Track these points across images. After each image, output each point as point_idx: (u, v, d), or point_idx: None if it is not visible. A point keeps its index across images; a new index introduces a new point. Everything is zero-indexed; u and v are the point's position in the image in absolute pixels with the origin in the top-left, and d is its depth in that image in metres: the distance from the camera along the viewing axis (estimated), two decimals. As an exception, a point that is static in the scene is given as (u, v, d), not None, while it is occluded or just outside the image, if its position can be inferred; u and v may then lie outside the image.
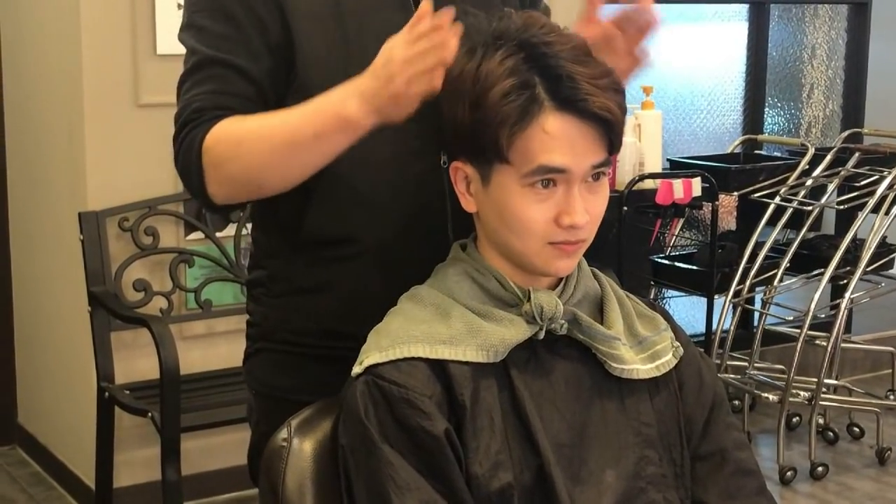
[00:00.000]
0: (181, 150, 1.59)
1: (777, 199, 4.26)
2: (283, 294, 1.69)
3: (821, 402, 4.08)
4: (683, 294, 4.51)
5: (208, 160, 1.55)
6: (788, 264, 4.22)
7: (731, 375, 4.31)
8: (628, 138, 3.94)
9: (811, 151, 4.36)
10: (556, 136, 1.43)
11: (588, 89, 1.43)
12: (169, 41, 3.55)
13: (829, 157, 4.34)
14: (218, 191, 1.58)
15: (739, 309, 4.32)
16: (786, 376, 4.08)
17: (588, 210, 1.46)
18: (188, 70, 1.64)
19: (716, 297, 4.14)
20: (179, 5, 3.55)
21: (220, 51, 1.59)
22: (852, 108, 5.25)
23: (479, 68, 1.45)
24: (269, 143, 1.52)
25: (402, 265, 1.60)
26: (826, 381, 4.11)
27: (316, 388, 1.63)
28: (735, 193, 4.40)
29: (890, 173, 4.09)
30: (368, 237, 1.61)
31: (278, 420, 1.58)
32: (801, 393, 4.07)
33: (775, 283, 4.21)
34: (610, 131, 1.46)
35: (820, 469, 4.03)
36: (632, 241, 4.05)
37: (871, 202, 4.06)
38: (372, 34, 1.57)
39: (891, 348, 4.63)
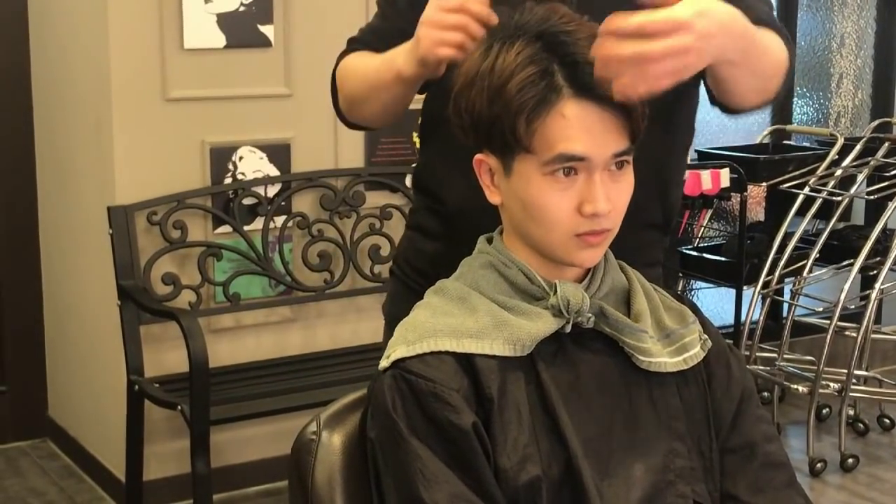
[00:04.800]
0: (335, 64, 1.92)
1: (806, 190, 4.24)
2: (409, 226, 1.92)
3: (851, 394, 4.06)
4: (712, 285, 4.50)
5: (339, 81, 1.89)
6: (818, 255, 4.20)
7: (761, 367, 4.30)
8: (656, 129, 3.93)
9: (840, 141, 4.34)
10: (575, 124, 1.42)
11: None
12: (196, 35, 3.57)
13: (858, 147, 4.32)
14: (343, 106, 1.89)
15: (768, 300, 4.30)
16: (815, 367, 4.06)
17: (611, 198, 1.45)
18: (376, 14, 1.92)
19: (745, 288, 4.13)
20: (206, 0, 3.57)
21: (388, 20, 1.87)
22: (882, 97, 5.22)
23: (495, 63, 1.45)
24: (360, 82, 1.83)
25: (481, 234, 1.62)
26: (856, 372, 4.09)
27: None
28: (764, 184, 4.39)
29: (920, 163, 4.07)
30: (451, 201, 1.78)
31: None
32: (831, 384, 4.05)
33: (804, 273, 4.19)
34: (630, 117, 1.45)
35: (850, 461, 4.01)
36: (660, 233, 4.03)
37: (902, 192, 4.04)
38: None
39: (921, 339, 4.61)
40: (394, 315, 1.81)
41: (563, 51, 1.43)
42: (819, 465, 3.97)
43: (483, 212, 1.59)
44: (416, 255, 1.86)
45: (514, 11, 1.50)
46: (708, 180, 3.87)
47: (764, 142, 4.71)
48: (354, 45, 1.89)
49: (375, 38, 1.85)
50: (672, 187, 1.86)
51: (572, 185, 1.45)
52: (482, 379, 1.43)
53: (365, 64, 1.81)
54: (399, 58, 1.69)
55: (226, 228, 3.70)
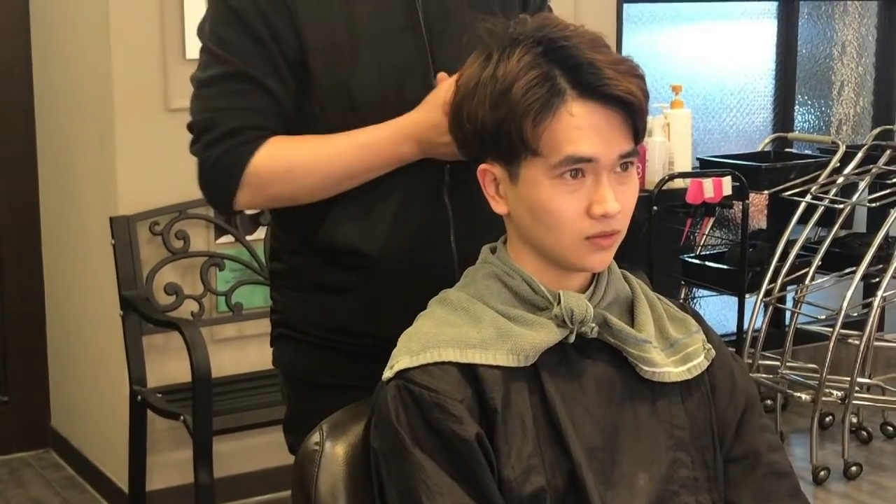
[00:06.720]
0: (218, 160, 1.70)
1: (808, 198, 4.23)
2: (302, 288, 1.77)
3: (854, 401, 4.05)
4: (714, 294, 4.49)
5: (254, 181, 1.66)
6: (820, 263, 4.19)
7: (763, 375, 4.29)
8: (658, 137, 3.93)
9: (842, 149, 4.33)
10: (582, 125, 1.43)
11: (609, 74, 1.44)
12: (198, 46, 3.56)
13: (860, 155, 4.31)
14: (248, 203, 1.72)
15: (771, 308, 4.29)
16: (818, 375, 4.05)
17: (619, 200, 1.46)
18: (216, 76, 1.70)
19: (747, 296, 4.12)
20: (208, 10, 3.57)
21: (250, 67, 1.66)
22: (883, 105, 5.21)
23: (496, 71, 1.46)
24: (323, 174, 1.65)
25: (410, 277, 1.67)
26: (859, 379, 4.08)
27: (336, 373, 1.74)
28: (766, 192, 4.38)
29: (922, 170, 4.06)
30: (374, 251, 1.68)
31: (306, 395, 1.77)
32: (834, 392, 4.04)
33: (807, 281, 4.18)
34: (634, 116, 1.46)
35: (853, 468, 4.01)
36: (662, 241, 4.04)
37: (903, 199, 4.03)
38: (385, 59, 1.65)
39: (924, 347, 4.59)
40: (296, 369, 1.81)
41: (564, 55, 1.45)
42: (822, 473, 3.97)
43: (408, 252, 1.67)
44: (325, 315, 1.74)
45: (510, 23, 1.51)
46: (710, 188, 3.86)
47: (765, 150, 4.70)
48: (245, 133, 1.67)
49: (266, 118, 1.67)
50: None
51: (580, 187, 1.45)
52: (486, 389, 1.43)
53: (319, 156, 1.65)
54: (403, 150, 1.63)
55: (228, 238, 3.70)
